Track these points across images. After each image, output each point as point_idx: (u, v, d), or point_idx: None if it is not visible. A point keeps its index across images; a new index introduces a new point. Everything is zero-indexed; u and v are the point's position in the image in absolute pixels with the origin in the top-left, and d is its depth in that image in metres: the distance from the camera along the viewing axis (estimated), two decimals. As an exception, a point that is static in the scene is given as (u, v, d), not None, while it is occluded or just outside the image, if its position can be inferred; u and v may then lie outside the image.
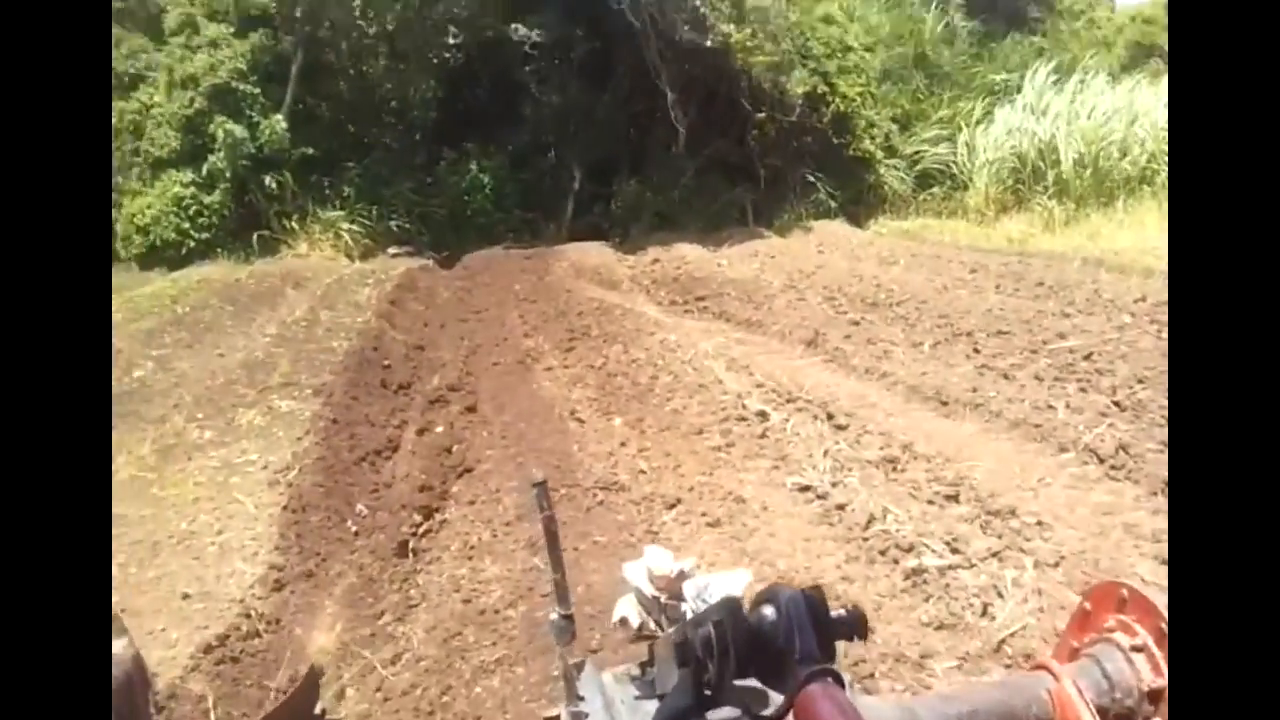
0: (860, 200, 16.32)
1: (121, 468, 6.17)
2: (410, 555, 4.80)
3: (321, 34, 15.61)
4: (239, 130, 14.35)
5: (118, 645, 1.69)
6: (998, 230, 13.92)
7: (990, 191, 14.99)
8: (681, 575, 1.31)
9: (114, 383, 8.37)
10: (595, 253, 14.20)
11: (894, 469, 5.25)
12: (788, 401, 6.63)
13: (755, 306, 9.85)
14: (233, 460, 6.28)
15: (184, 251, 14.64)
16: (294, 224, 14.90)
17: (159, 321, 10.83)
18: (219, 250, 14.81)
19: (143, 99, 15.37)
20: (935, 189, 16.30)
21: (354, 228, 14.97)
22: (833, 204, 16.09)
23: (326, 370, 8.39)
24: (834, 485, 5.05)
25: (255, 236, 14.76)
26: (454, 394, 7.49)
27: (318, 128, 15.60)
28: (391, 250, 15.03)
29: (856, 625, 0.97)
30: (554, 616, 1.29)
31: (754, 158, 16.04)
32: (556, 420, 6.67)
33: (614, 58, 16.21)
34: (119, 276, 14.28)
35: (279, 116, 14.80)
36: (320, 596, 4.61)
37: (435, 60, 16.62)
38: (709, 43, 14.40)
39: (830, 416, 6.18)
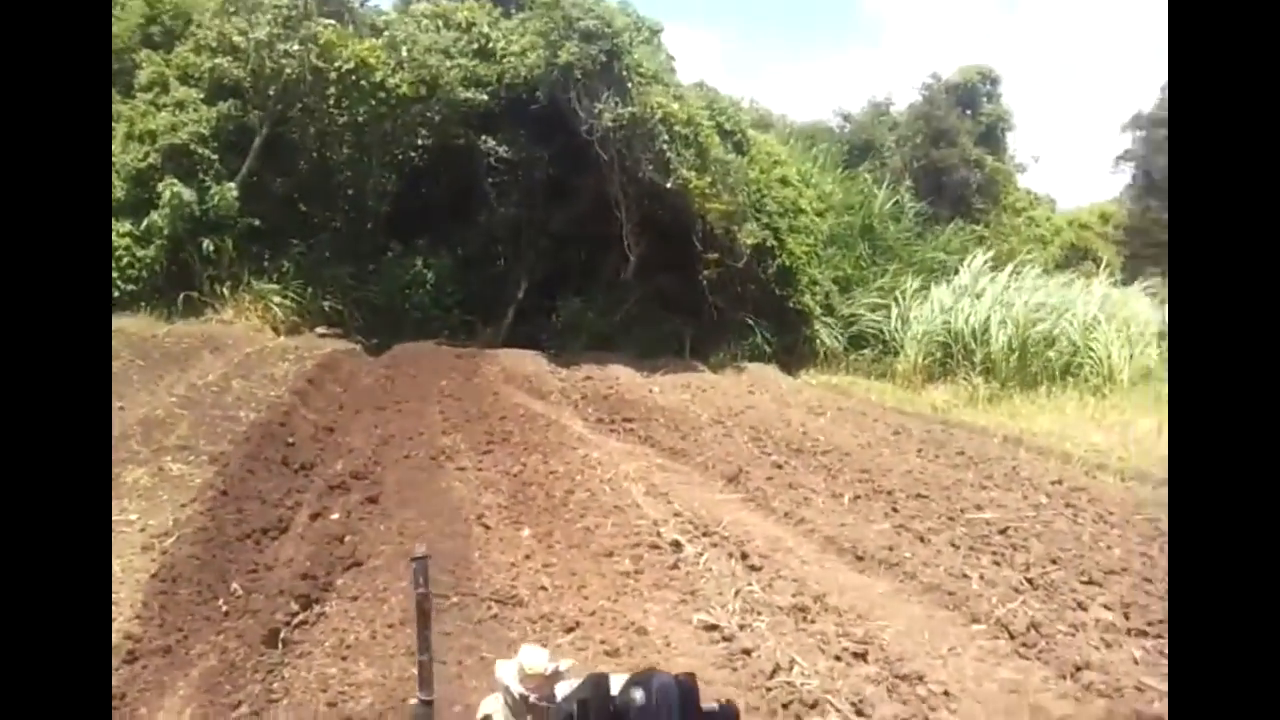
0: (794, 350, 16.49)
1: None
2: (280, 645, 4.32)
3: (291, 114, 15.56)
4: (186, 193, 14.03)
5: None
6: (923, 397, 14.09)
7: (919, 360, 15.26)
8: (556, 675, 1.23)
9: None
10: (529, 361, 13.98)
11: (804, 618, 4.98)
12: (703, 535, 6.37)
13: (681, 436, 9.66)
14: (113, 519, 5.75)
15: (106, 301, 14.03)
16: (225, 290, 14.46)
17: (62, 366, 10.21)
18: (142, 304, 14.24)
19: (95, 145, 14.99)
20: (866, 350, 16.57)
21: (285, 302, 14.59)
22: (768, 349, 16.22)
23: (227, 439, 7.91)
24: (741, 628, 4.75)
25: (182, 296, 14.24)
26: (357, 482, 7.05)
27: (269, 201, 15.35)
28: (320, 330, 14.65)
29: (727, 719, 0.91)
30: (413, 701, 1.22)
31: (698, 295, 16.16)
32: (461, 523, 6.27)
33: (575, 182, 16.39)
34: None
35: (231, 184, 14.54)
36: (175, 675, 4.11)
37: (400, 157, 16.65)
38: (670, 184, 14.65)
39: (745, 556, 5.92)
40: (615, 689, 0.93)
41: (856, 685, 4.26)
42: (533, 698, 1.18)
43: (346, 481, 6.99)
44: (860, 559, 6.05)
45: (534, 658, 1.27)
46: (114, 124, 15.14)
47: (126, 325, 13.19)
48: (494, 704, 1.32)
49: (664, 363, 15.00)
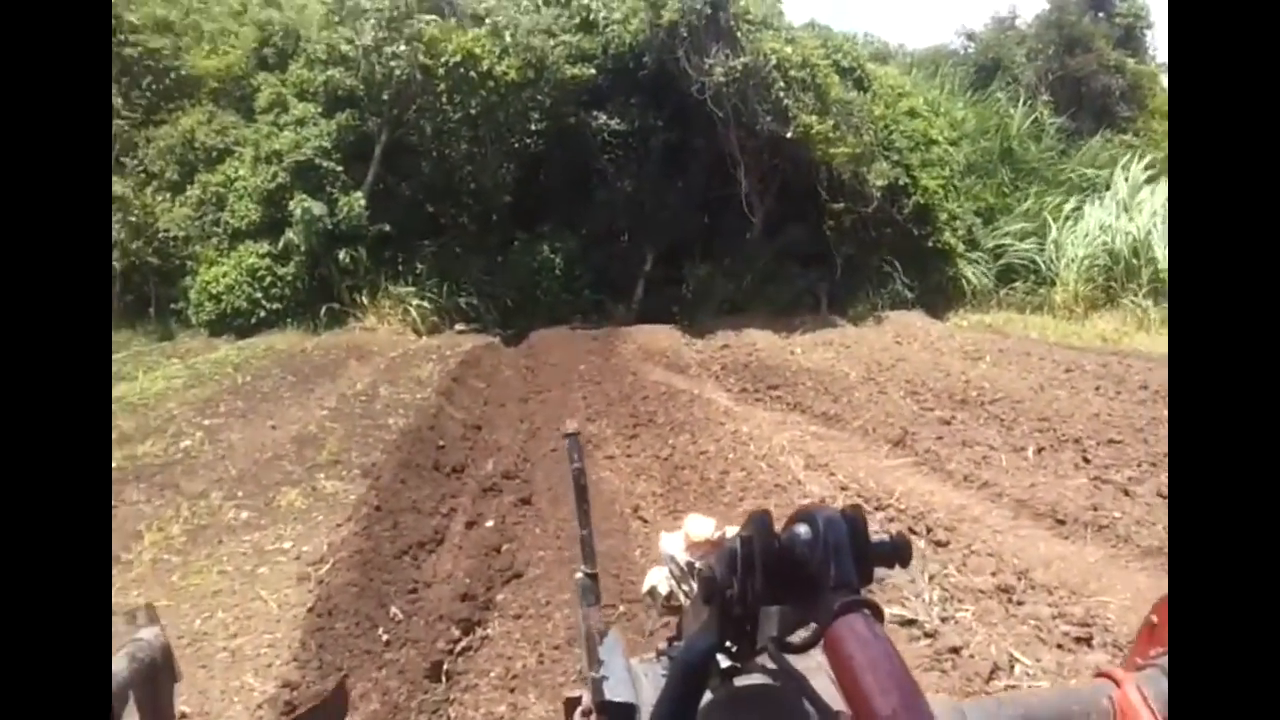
0: (939, 292, 15.52)
1: (147, 549, 5.57)
2: (443, 679, 4.03)
3: (407, 116, 15.52)
4: (317, 207, 14.19)
5: (148, 633, 1.70)
6: (1088, 328, 12.96)
7: (1079, 288, 14.05)
8: (724, 540, 1.17)
9: (160, 452, 7.89)
10: (664, 335, 13.55)
11: (1011, 601, 4.36)
12: (877, 509, 5.78)
13: (833, 399, 9.03)
14: (265, 547, 5.63)
15: (254, 320, 14.43)
16: (364, 298, 14.62)
17: (217, 389, 10.42)
18: (289, 320, 14.58)
19: (228, 172, 15.40)
20: (1018, 284, 15.43)
21: (423, 304, 14.62)
22: (909, 295, 15.33)
23: (378, 448, 7.78)
24: (943, 620, 4.18)
25: (324, 309, 14.47)
26: (508, 482, 6.79)
27: (396, 206, 15.40)
28: (459, 327, 14.64)
29: (899, 553, 0.83)
30: (579, 575, 1.19)
31: (829, 246, 15.39)
32: (617, 518, 5.90)
33: (691, 146, 15.83)
34: (187, 341, 14.10)
35: (359, 194, 14.63)
36: (337, 722, 3.87)
37: (516, 145, 16.44)
38: (790, 134, 13.89)
39: (928, 530, 5.32)
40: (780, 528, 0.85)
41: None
42: (699, 563, 1.13)
43: (498, 483, 6.73)
44: (1061, 523, 5.34)
45: (700, 525, 1.26)
46: (241, 148, 15.53)
47: (275, 343, 13.50)
48: (658, 575, 1.31)
49: (801, 321, 14.35)
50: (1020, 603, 4.33)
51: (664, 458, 7.33)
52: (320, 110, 15.25)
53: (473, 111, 15.38)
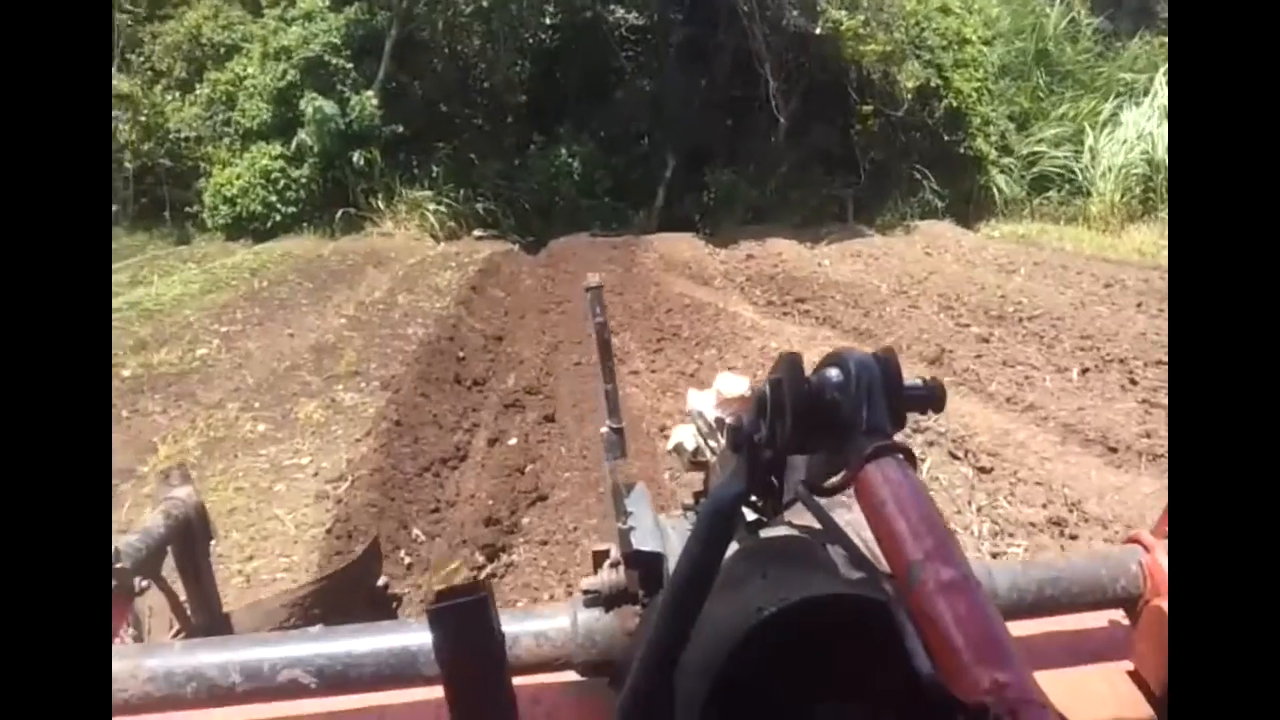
0: (969, 201, 14.93)
1: (162, 462, 5.37)
2: (468, 607, 3.85)
3: (417, 9, 14.81)
4: (329, 106, 13.66)
5: (182, 492, 1.73)
6: (1125, 240, 12.46)
7: (1116, 198, 13.48)
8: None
9: (177, 360, 7.68)
10: (685, 245, 13.14)
11: (1063, 535, 4.13)
12: (915, 431, 5.52)
13: (864, 313, 8.70)
14: (282, 462, 5.45)
15: (269, 224, 14.06)
16: (380, 202, 14.19)
17: (234, 295, 10.17)
18: (304, 224, 14.22)
19: (236, 70, 14.84)
20: (1052, 193, 14.81)
21: (440, 209, 14.18)
22: (939, 204, 14.76)
23: (398, 360, 7.56)
24: (994, 556, 3.95)
25: (340, 213, 14.08)
26: (531, 397, 6.55)
27: (409, 106, 14.83)
28: (477, 233, 14.24)
29: (933, 398, 0.80)
30: (604, 430, 1.19)
31: (857, 151, 14.79)
32: (644, 437, 5.67)
33: (714, 43, 15.09)
34: (204, 246, 13.80)
35: (370, 93, 14.07)
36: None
37: (530, 40, 15.75)
38: (818, 30, 13.16)
39: (971, 455, 5.07)
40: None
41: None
42: (729, 419, 1.01)
43: (521, 399, 6.49)
44: (1112, 450, 5.07)
45: (732, 382, 1.23)
46: (249, 45, 14.92)
47: (292, 248, 13.19)
48: (684, 432, 1.30)
49: (827, 230, 13.87)
50: (1074, 537, 4.10)
51: (690, 374, 7.06)
52: (328, 4, 14.57)
53: (485, 3, 14.67)
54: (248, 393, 6.82)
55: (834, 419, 0.76)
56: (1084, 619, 1.27)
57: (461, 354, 7.85)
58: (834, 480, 0.78)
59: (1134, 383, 6.14)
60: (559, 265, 11.89)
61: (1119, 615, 1.25)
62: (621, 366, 7.40)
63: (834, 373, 0.78)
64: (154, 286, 10.59)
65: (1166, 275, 9.43)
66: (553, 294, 10.41)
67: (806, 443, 0.79)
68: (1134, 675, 1.20)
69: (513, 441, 5.64)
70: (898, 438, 0.75)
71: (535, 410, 6.24)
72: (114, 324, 8.70)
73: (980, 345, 7.30)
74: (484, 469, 5.32)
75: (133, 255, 12.98)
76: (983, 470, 4.89)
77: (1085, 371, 6.44)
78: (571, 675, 1.10)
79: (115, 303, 9.58)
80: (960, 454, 5.13)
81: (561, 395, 6.61)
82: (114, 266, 11.94)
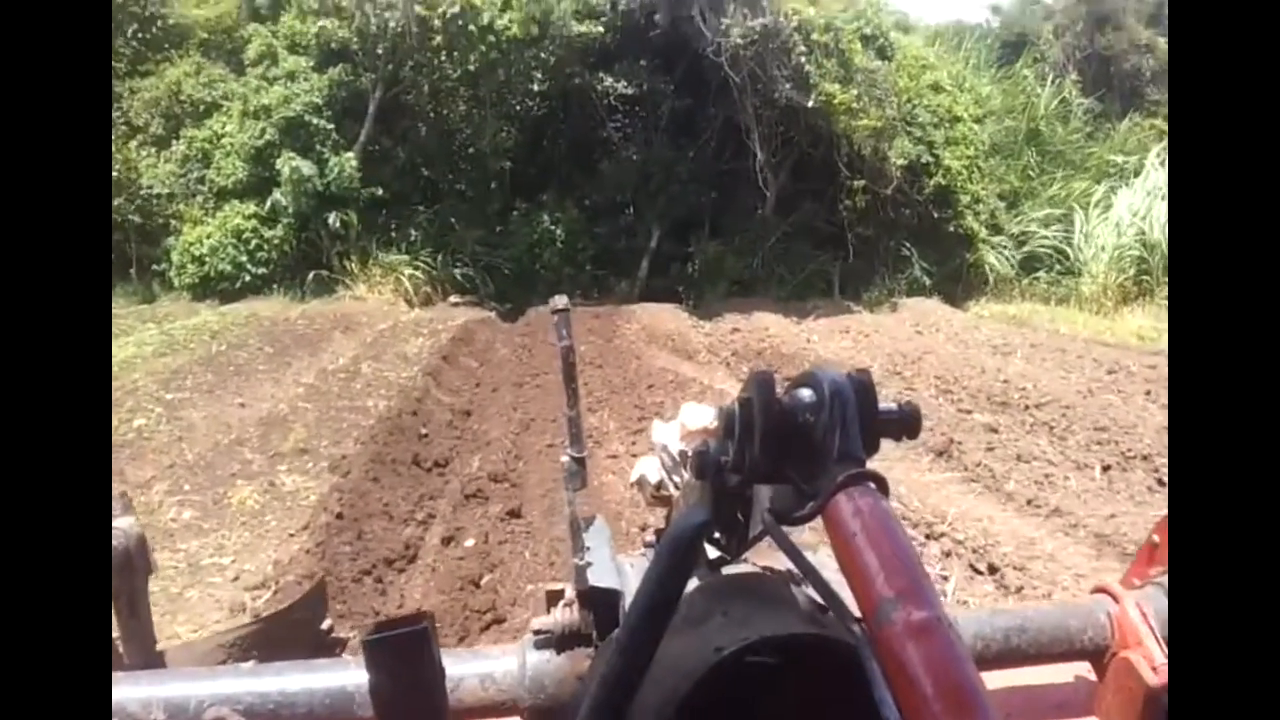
0: (958, 280, 14.44)
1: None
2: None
3: (403, 73, 14.36)
4: (306, 166, 13.08)
5: (123, 522, 1.65)
6: (1120, 324, 11.93)
7: (1109, 280, 13.00)
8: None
9: (111, 432, 6.88)
10: (669, 316, 12.51)
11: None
12: (928, 537, 4.82)
13: (858, 395, 8.02)
14: (202, 560, 4.65)
15: (238, 285, 13.36)
16: (354, 265, 13.53)
17: (188, 359, 9.40)
18: (275, 286, 13.52)
19: (215, 127, 14.30)
20: (1042, 273, 14.36)
21: (416, 273, 13.53)
22: (927, 281, 14.24)
23: (351, 436, 6.79)
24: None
25: (312, 275, 13.40)
26: (496, 486, 5.79)
27: (390, 169, 14.29)
28: (453, 299, 13.58)
29: (908, 422, 0.76)
30: (565, 458, 1.12)
31: (844, 226, 14.31)
32: (622, 537, 4.91)
33: (704, 114, 14.74)
34: (168, 305, 13.07)
35: (350, 154, 13.54)
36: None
37: (517, 107, 15.32)
38: (810, 103, 12.76)
39: (994, 571, 4.35)
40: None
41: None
42: (692, 451, 0.88)
43: (484, 488, 5.73)
44: (1157, 568, 4.36)
45: (696, 414, 1.20)
46: (229, 102, 14.40)
47: (259, 309, 12.48)
48: (648, 464, 1.29)
49: (814, 305, 13.34)
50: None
51: (673, 460, 6.33)
52: (312, 64, 14.09)
53: (472, 69, 14.24)
54: (181, 471, 6.03)
55: (805, 443, 0.71)
56: (1048, 672, 1.22)
57: (424, 431, 7.10)
58: (803, 511, 0.71)
59: (1162, 484, 5.45)
60: (537, 335, 11.20)
61: (1084, 669, 1.21)
62: (598, 450, 6.67)
63: (807, 393, 0.73)
64: (104, 348, 9.82)
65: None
66: (528, 365, 9.71)
67: (775, 468, 0.73)
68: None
69: (470, 543, 4.86)
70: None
71: (499, 502, 5.48)
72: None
73: (989, 436, 6.63)
74: (435, 574, 4.54)
75: (90, 314, 12.22)
76: (1010, 589, 4.16)
77: (1107, 469, 5.76)
78: None
79: (55, 365, 8.81)
80: (983, 568, 4.41)
81: (530, 485, 5.86)
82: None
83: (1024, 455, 6.10)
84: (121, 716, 0.96)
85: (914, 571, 0.62)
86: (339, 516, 4.99)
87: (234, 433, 6.95)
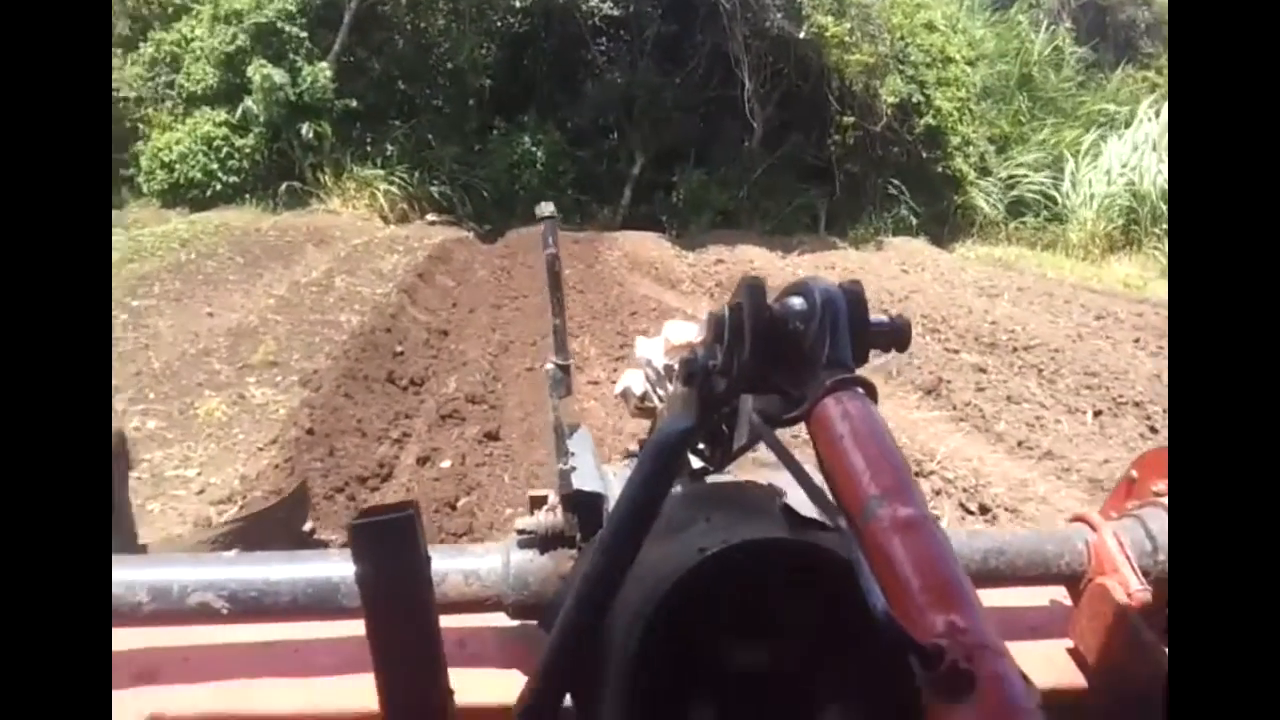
0: (945, 220, 14.20)
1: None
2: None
3: (381, -19, 13.72)
4: (278, 74, 12.50)
5: None
6: (1107, 271, 11.82)
7: (1097, 228, 12.85)
8: None
9: (111, 422, 6.55)
10: (652, 245, 12.22)
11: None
12: (918, 474, 4.68)
13: (845, 331, 7.86)
14: (165, 472, 4.41)
15: (209, 193, 12.85)
16: (328, 178, 13.05)
17: (156, 266, 9.04)
18: (246, 196, 13.02)
19: (184, 31, 13.56)
20: (1029, 218, 14.17)
21: (392, 189, 13.09)
22: (913, 221, 14.00)
23: (324, 350, 6.53)
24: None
25: (284, 186, 12.92)
26: (474, 407, 5.57)
27: (365, 81, 13.73)
28: (430, 217, 13.19)
29: (898, 335, 0.75)
30: (549, 366, 1.11)
31: (832, 162, 13.99)
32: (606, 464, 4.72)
33: (691, 40, 14.24)
34: (136, 211, 12.56)
35: (324, 64, 12.95)
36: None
37: (498, 23, 14.74)
38: (802, 34, 12.33)
39: (985, 510, 4.23)
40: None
41: None
42: (677, 365, 0.96)
43: (460, 408, 5.51)
44: (1151, 513, 4.26)
45: (681, 329, 1.20)
46: (199, 5, 13.66)
47: (230, 219, 12.02)
48: (633, 377, 1.27)
49: (799, 240, 13.09)
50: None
51: (657, 387, 6.15)
52: (286, -33, 13.37)
53: (451, -21, 13.62)
54: (147, 380, 5.76)
55: (794, 350, 0.70)
56: (1024, 595, 1.22)
57: (399, 349, 6.85)
58: (792, 413, 0.70)
59: (1154, 431, 5.36)
60: (516, 257, 10.90)
61: (1060, 594, 1.21)
62: (580, 375, 6.46)
63: (797, 301, 0.72)
64: (65, 251, 9.38)
65: (1161, 310, 8.75)
66: (508, 287, 9.44)
67: (764, 374, 0.72)
68: (1073, 653, 1.16)
69: (446, 464, 4.65)
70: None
71: (476, 423, 5.26)
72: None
73: (978, 376, 6.49)
74: (409, 495, 4.33)
75: (52, 216, 11.73)
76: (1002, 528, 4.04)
77: (1099, 414, 5.65)
78: (500, 619, 1.03)
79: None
80: (974, 508, 4.29)
81: (508, 407, 5.65)
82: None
83: (1014, 397, 5.97)
84: None
85: (901, 472, 0.62)
86: (310, 432, 4.76)
87: (202, 342, 6.67)
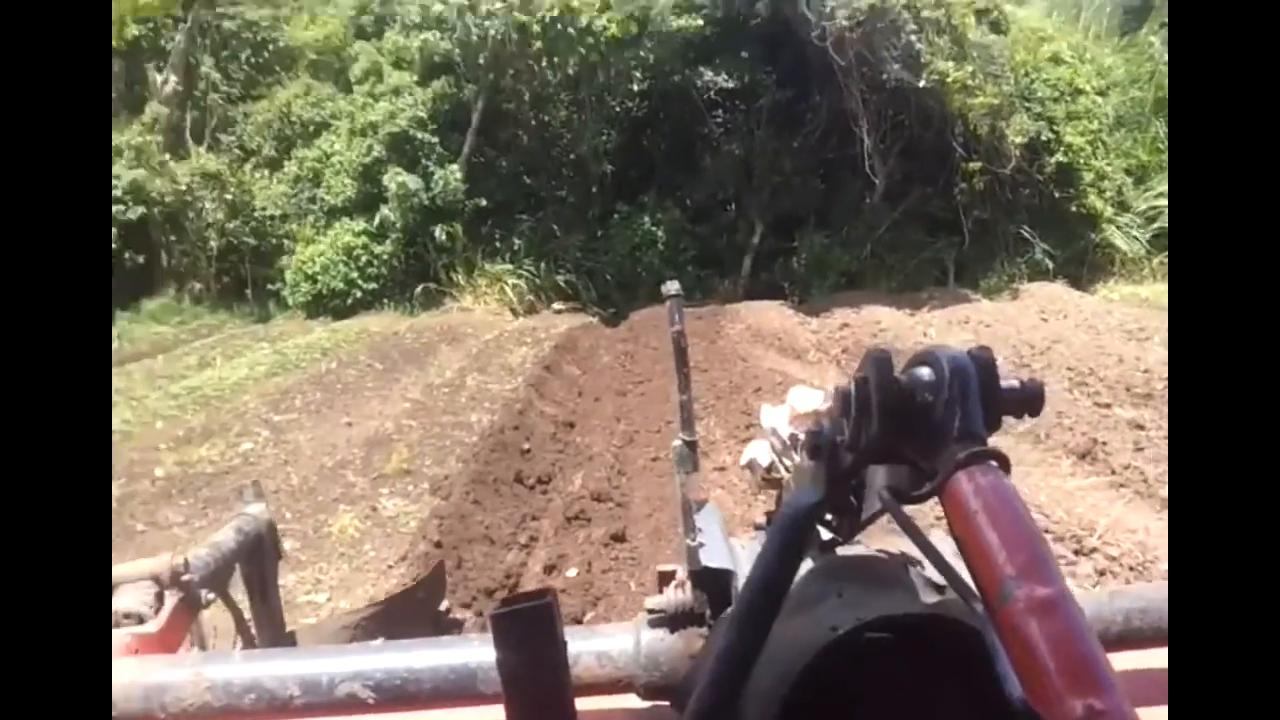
0: (1083, 262, 13.38)
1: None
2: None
3: (504, 82, 14.29)
4: (412, 181, 13.15)
5: (254, 508, 1.70)
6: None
7: (1254, 255, 11.79)
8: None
9: (218, 457, 6.89)
10: (774, 314, 11.98)
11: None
12: (1077, 554, 4.24)
13: (984, 393, 7.38)
14: (297, 598, 4.47)
15: (349, 301, 13.55)
16: (460, 276, 13.52)
17: (299, 379, 9.46)
18: (385, 301, 13.64)
19: (324, 147, 14.52)
20: (1176, 251, 13.18)
21: (519, 282, 13.42)
22: (1049, 264, 13.25)
23: (454, 454, 6.60)
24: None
25: (420, 288, 13.45)
26: (599, 505, 5.46)
27: (494, 179, 14.24)
28: (556, 306, 13.41)
29: (1031, 400, 0.71)
30: (677, 442, 1.07)
31: (959, 211, 13.46)
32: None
33: (807, 102, 14.13)
34: (282, 324, 13.30)
35: (454, 166, 13.53)
36: None
37: (617, 109, 15.04)
38: (922, 83, 12.02)
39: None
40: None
41: None
42: (803, 435, 0.89)
43: (587, 508, 5.40)
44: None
45: (805, 398, 1.16)
46: (338, 121, 14.59)
47: (370, 325, 12.58)
48: (759, 448, 1.24)
49: (928, 295, 12.57)
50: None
51: (787, 472, 5.88)
52: (416, 79, 14.17)
53: (571, 72, 14.10)
54: (285, 497, 5.94)
55: (924, 422, 0.67)
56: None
57: (526, 446, 6.84)
58: (923, 489, 0.67)
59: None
60: (640, 339, 10.88)
61: None
62: (705, 461, 6.26)
63: (925, 372, 0.68)
64: (219, 369, 9.99)
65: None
66: (632, 372, 9.39)
67: (893, 448, 0.69)
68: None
69: (572, 572, 4.53)
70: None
71: (602, 524, 5.13)
72: (164, 415, 8.05)
73: (1135, 433, 5.93)
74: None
75: (210, 335, 12.56)
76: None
77: None
78: (633, 699, 1.02)
79: (174, 388, 8.97)
80: (1145, 597, 3.81)
81: (635, 503, 5.51)
82: (188, 348, 11.49)
83: (1181, 459, 5.40)
84: (259, 693, 0.99)
85: (1037, 548, 0.59)
86: (438, 545, 4.75)
87: (339, 454, 6.86)
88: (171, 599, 1.33)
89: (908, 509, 0.70)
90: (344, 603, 4.28)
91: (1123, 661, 1.08)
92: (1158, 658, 1.11)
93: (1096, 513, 4.78)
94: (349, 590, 4.44)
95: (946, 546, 0.66)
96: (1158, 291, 12.34)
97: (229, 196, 14.00)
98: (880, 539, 0.92)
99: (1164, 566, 4.05)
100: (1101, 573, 4.12)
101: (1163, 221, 13.50)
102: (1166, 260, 13.18)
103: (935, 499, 0.66)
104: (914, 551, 0.83)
